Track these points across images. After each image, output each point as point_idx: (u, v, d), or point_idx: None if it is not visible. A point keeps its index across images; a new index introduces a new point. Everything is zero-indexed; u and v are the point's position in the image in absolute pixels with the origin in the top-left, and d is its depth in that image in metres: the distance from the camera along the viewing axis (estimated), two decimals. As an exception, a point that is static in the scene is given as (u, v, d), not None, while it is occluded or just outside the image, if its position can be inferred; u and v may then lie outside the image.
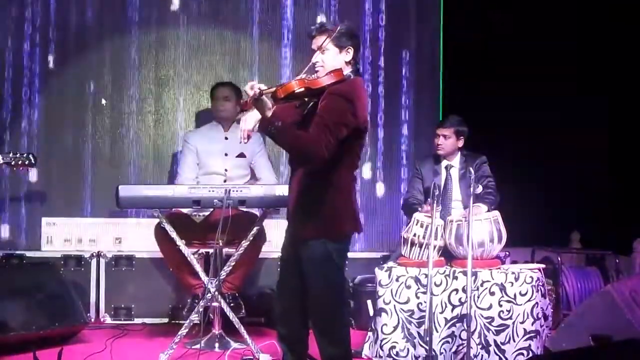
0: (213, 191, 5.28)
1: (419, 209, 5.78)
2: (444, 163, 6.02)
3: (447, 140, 5.95)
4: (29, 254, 6.50)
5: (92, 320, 6.34)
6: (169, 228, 5.36)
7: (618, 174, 7.21)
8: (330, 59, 4.25)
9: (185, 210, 5.80)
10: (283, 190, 5.24)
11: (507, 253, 5.87)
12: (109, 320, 6.42)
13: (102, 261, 6.48)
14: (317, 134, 4.03)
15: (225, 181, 6.03)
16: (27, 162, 5.71)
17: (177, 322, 6.32)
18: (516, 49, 7.29)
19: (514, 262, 6.03)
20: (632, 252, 7.13)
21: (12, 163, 5.67)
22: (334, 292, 4.36)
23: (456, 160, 6.01)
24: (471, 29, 7.23)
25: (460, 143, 5.99)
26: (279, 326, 4.54)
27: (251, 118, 4.25)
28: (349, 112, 4.12)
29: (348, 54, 4.29)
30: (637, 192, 7.03)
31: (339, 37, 4.26)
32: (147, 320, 6.43)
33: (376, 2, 7.17)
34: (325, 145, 4.03)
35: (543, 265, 5.51)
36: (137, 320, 6.43)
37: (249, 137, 4.28)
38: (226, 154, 6.17)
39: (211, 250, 5.72)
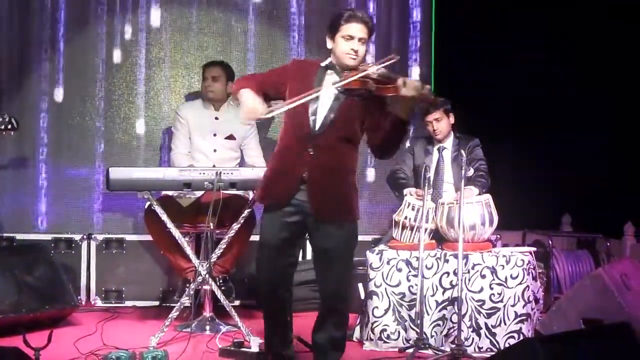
0: (204, 174, 5.25)
1: (406, 192, 5.74)
2: (437, 144, 5.97)
3: (440, 122, 5.87)
4: (19, 236, 6.46)
5: (83, 303, 6.31)
6: (159, 210, 5.32)
7: (610, 157, 7.19)
8: (363, 52, 4.31)
9: (170, 193, 5.79)
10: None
11: (498, 236, 5.89)
12: (99, 303, 6.40)
13: (93, 244, 6.45)
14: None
15: (214, 165, 5.96)
16: (9, 127, 5.67)
17: (167, 305, 6.30)
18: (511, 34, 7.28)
19: (504, 245, 6.04)
20: (623, 235, 7.14)
21: None
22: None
23: (449, 142, 5.95)
24: (470, 28, 7.20)
25: (452, 119, 5.93)
26: (268, 308, 4.54)
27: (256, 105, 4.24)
28: None
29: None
30: (629, 176, 7.03)
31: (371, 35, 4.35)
32: (138, 303, 6.42)
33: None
34: None
35: (534, 249, 5.51)
36: (128, 303, 6.42)
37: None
38: (215, 134, 6.12)
39: (203, 233, 5.72)
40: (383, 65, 4.21)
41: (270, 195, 4.37)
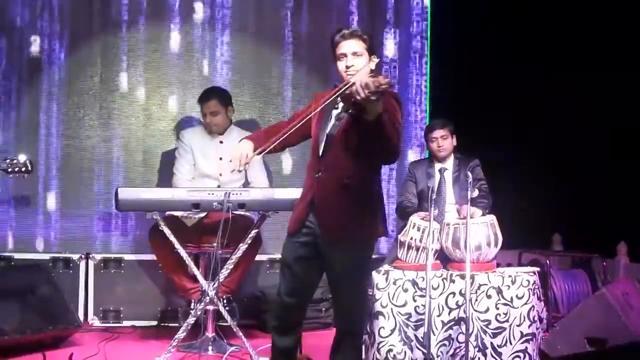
0: (213, 194, 5.25)
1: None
2: (438, 166, 6.03)
3: (446, 140, 5.99)
4: (17, 255, 6.40)
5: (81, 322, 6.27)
6: (167, 231, 5.31)
7: (600, 177, 7.24)
8: (362, 64, 4.24)
9: (175, 213, 5.77)
10: (282, 193, 5.29)
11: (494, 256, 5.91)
12: (97, 323, 6.36)
13: (91, 263, 6.41)
14: (395, 131, 4.06)
15: (218, 186, 5.94)
16: (23, 169, 5.57)
17: (166, 325, 6.30)
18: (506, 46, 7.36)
19: (498, 264, 6.06)
20: (616, 255, 7.20)
21: (9, 170, 5.54)
22: (365, 295, 4.61)
23: (449, 163, 6.02)
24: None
25: (454, 141, 6.03)
26: (280, 325, 4.51)
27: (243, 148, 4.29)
28: (399, 113, 4.21)
29: (373, 62, 4.28)
30: (622, 195, 7.09)
31: (371, 44, 4.28)
32: (136, 323, 6.39)
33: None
34: (401, 143, 4.22)
35: (538, 269, 5.55)
36: (126, 323, 6.38)
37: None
38: (220, 158, 6.07)
39: (205, 254, 5.72)
40: (370, 74, 4.07)
41: (291, 222, 4.38)
